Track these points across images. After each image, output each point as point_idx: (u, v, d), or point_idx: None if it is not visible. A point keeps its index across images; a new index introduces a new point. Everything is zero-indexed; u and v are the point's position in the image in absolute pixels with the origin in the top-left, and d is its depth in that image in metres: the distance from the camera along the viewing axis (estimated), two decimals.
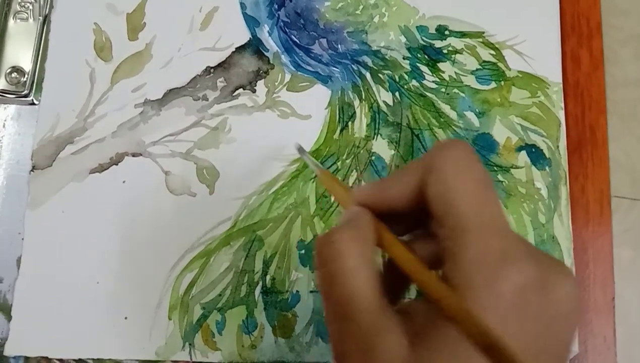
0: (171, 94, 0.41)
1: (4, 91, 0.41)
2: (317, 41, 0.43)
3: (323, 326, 0.38)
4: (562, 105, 0.42)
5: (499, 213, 0.21)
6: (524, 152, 0.41)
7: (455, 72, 0.43)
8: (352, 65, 0.42)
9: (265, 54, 0.42)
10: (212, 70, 0.42)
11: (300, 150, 0.35)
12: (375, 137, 0.41)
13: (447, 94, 0.42)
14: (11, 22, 0.42)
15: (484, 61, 0.43)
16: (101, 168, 0.40)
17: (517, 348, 0.17)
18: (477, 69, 0.43)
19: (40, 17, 0.42)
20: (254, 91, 0.41)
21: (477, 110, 0.42)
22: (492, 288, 0.19)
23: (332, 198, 0.40)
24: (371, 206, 0.24)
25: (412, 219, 0.24)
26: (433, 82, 0.42)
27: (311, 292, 0.39)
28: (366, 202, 0.24)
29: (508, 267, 0.19)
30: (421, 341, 0.20)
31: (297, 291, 0.39)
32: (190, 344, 0.38)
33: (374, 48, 0.43)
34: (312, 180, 0.40)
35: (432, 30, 0.43)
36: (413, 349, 0.20)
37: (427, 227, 0.24)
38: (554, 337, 0.20)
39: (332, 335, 0.22)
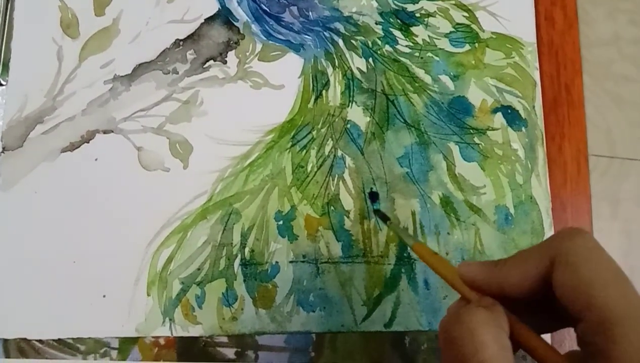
0: (140, 69, 0.40)
1: None
2: (287, 9, 0.42)
3: (304, 295, 0.38)
4: (537, 65, 0.42)
5: None
6: (499, 114, 0.41)
7: (428, 36, 0.42)
8: (324, 33, 0.42)
9: (235, 24, 0.41)
10: (181, 42, 0.41)
11: (384, 217, 0.35)
12: (350, 104, 0.41)
13: (421, 58, 0.42)
14: None
15: (457, 24, 0.42)
16: (72, 146, 0.39)
17: None
18: (450, 32, 0.42)
19: None
20: (224, 62, 0.41)
21: (451, 73, 0.41)
22: None
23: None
24: (479, 287, 0.23)
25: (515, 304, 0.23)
26: (406, 46, 0.42)
27: (290, 262, 0.38)
28: (474, 281, 0.23)
29: None
30: None
31: (277, 262, 0.38)
32: (170, 319, 0.37)
33: (346, 14, 0.42)
34: (288, 150, 0.40)
35: None
36: None
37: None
38: None
39: None
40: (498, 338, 0.20)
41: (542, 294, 0.21)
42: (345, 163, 0.40)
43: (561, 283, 0.20)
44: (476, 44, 0.42)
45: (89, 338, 0.37)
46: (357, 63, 0.41)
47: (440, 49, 0.42)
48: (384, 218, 0.35)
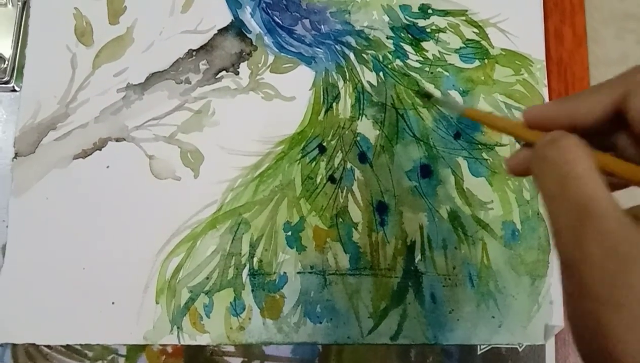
0: (153, 78, 0.41)
1: None
2: (299, 22, 0.42)
3: (311, 306, 0.38)
4: (546, 82, 0.42)
5: None
6: None
7: (439, 51, 0.42)
8: (336, 46, 0.42)
9: (248, 35, 0.42)
10: (194, 53, 0.41)
11: (427, 94, 0.38)
12: (360, 117, 0.41)
13: (431, 73, 0.42)
14: None
15: (468, 39, 0.43)
16: (84, 154, 0.40)
17: None
18: (460, 48, 0.43)
19: (19, 3, 0.41)
20: (237, 73, 0.41)
21: (461, 88, 0.42)
22: None
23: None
24: (548, 125, 0.23)
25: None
26: (417, 61, 0.42)
27: (298, 273, 0.39)
28: (542, 120, 0.23)
29: None
30: None
31: (285, 272, 0.39)
32: (178, 328, 0.38)
33: (358, 28, 0.42)
34: (298, 161, 0.40)
35: (415, 9, 0.43)
36: None
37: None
38: None
39: (566, 239, 0.21)
40: (590, 156, 0.21)
41: (613, 127, 0.22)
42: (354, 175, 0.40)
43: (637, 108, 0.21)
44: (486, 60, 0.42)
45: (97, 344, 0.38)
46: (368, 76, 0.42)
47: (450, 64, 0.42)
48: (428, 95, 0.38)
